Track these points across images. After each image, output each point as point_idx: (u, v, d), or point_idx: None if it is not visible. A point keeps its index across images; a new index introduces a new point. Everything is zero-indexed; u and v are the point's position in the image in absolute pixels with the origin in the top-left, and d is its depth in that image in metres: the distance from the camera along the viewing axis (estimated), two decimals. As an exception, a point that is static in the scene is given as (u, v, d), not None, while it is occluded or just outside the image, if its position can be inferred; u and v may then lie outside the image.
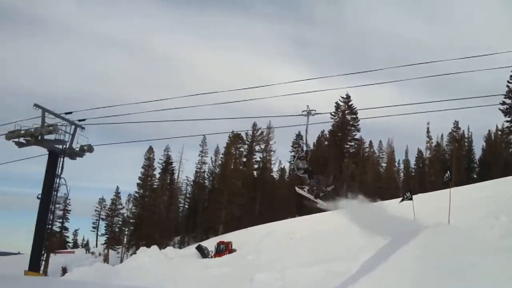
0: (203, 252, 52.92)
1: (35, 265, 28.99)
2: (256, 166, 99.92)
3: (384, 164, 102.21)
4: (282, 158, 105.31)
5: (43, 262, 29.84)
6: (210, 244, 55.72)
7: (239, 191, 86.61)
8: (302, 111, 19.81)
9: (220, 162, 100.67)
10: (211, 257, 50.92)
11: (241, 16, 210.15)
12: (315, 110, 19.68)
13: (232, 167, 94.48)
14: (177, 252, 58.78)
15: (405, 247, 13.14)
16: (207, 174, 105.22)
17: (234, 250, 51.35)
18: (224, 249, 52.10)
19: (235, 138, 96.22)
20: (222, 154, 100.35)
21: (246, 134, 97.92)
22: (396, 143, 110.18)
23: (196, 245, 58.98)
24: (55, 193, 29.40)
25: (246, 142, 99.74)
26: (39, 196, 28.59)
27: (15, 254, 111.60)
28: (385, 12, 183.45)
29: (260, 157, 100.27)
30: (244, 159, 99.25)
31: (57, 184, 29.09)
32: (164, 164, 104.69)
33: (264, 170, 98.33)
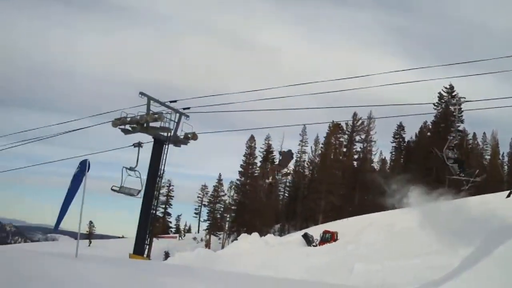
0: (308, 240, 52.81)
1: (140, 249, 29.75)
2: (356, 156, 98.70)
3: (488, 157, 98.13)
4: (383, 148, 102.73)
5: (147, 246, 30.58)
6: (312, 232, 55.43)
7: (338, 181, 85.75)
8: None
9: (320, 151, 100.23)
10: (316, 245, 50.71)
11: (339, 6, 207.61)
12: (464, 98, 18.84)
13: (332, 157, 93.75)
14: (277, 240, 58.97)
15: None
16: (307, 164, 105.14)
17: (337, 239, 50.97)
18: (329, 238, 51.74)
19: (335, 128, 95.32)
20: (322, 144, 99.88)
21: (346, 124, 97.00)
22: (501, 135, 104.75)
23: (302, 232, 58.78)
24: (159, 179, 30.07)
25: (346, 132, 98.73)
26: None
27: (119, 237, 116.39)
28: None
29: (360, 148, 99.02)
30: (344, 149, 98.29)
31: (161, 171, 29.71)
32: (265, 152, 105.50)
33: (364, 160, 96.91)
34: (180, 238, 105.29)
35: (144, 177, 28.93)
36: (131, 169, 27.10)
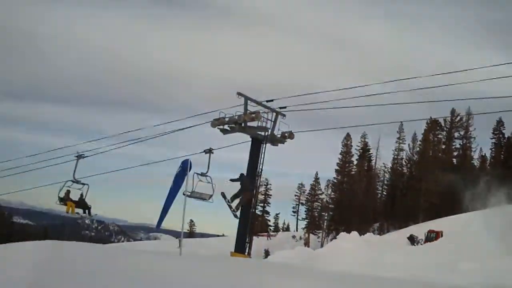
0: (413, 241, 52.02)
1: (241, 247, 30.04)
2: (455, 153, 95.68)
3: None
4: (483, 145, 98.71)
5: (247, 244, 30.84)
6: (414, 232, 54.44)
7: (438, 179, 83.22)
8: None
9: (418, 149, 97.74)
10: (420, 245, 49.84)
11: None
12: None
13: (431, 154, 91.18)
14: (377, 238, 58.18)
15: None
16: (405, 161, 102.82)
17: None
18: (433, 237, 50.61)
19: (433, 125, 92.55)
20: (420, 141, 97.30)
21: (445, 120, 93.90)
22: None
23: (403, 231, 58.07)
24: (258, 178, 30.26)
25: (445, 129, 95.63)
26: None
27: (220, 236, 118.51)
28: None
29: (459, 144, 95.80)
30: (443, 146, 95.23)
31: (259, 170, 29.90)
32: (361, 150, 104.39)
33: (464, 157, 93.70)
34: (269, 238, 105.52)
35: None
36: (202, 174, 27.50)
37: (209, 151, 27.55)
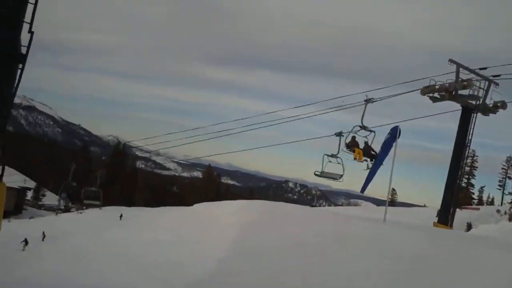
0: None
1: (444, 218, 29.50)
2: None
3: None
4: None
5: (450, 216, 30.14)
6: None
7: None
8: None
9: None
10: None
11: None
12: None
13: None
14: None
15: None
16: None
17: None
18: None
19: None
20: None
21: None
22: None
23: None
24: (466, 148, 29.26)
25: None
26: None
27: (421, 206, 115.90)
28: None
29: None
30: None
31: (468, 141, 28.89)
32: None
33: None
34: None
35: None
36: (332, 156, 27.07)
37: (339, 134, 27.24)
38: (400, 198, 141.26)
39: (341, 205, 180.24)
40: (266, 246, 9.97)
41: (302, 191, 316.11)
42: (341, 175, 28.17)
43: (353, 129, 25.28)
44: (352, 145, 25.37)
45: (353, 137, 25.29)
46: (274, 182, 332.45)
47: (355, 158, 26.27)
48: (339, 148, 27.72)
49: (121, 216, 48.57)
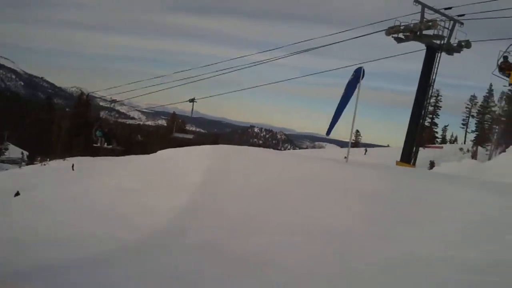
0: None
1: (406, 157, 30.05)
2: None
3: None
4: None
5: (413, 155, 30.64)
6: None
7: None
8: None
9: None
10: None
11: None
12: None
13: None
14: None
15: None
16: None
17: None
18: None
19: None
20: None
21: None
22: None
23: None
24: (430, 88, 29.55)
25: None
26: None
27: (385, 146, 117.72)
28: None
29: None
30: None
31: (432, 80, 29.15)
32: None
33: None
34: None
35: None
36: None
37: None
38: (365, 139, 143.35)
39: (306, 148, 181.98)
40: (231, 188, 9.92)
41: (267, 136, 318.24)
42: None
43: (508, 48, 22.40)
44: (506, 68, 22.76)
45: (505, 58, 23.06)
46: (239, 128, 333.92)
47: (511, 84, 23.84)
48: None
49: (72, 166, 48.44)
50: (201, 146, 15.54)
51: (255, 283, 6.59)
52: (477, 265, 6.23)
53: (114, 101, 37.30)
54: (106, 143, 33.20)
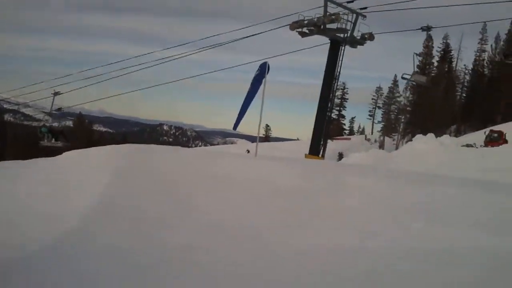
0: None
1: (315, 150, 30.54)
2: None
3: None
4: None
5: (322, 148, 31.17)
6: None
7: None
8: None
9: (500, 49, 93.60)
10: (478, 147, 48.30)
11: None
12: None
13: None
14: (453, 141, 57.03)
15: None
16: (486, 63, 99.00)
17: (506, 142, 47.89)
18: (497, 138, 49.13)
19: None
20: (503, 41, 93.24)
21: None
22: None
23: (480, 132, 56.62)
24: (335, 81, 30.12)
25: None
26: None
27: (295, 140, 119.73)
28: None
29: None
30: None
31: (337, 73, 29.71)
32: (442, 52, 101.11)
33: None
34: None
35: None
36: (420, 54, 27.93)
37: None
38: (275, 133, 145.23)
39: (217, 144, 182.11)
40: (137, 188, 9.65)
41: (177, 133, 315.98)
42: (426, 79, 28.22)
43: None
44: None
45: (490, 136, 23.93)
46: (148, 126, 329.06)
47: None
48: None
49: None
50: (106, 146, 15.09)
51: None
52: (387, 253, 6.31)
53: (17, 103, 36.14)
54: (54, 139, 32.04)
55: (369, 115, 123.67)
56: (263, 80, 14.20)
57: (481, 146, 48.31)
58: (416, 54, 26.61)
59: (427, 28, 28.25)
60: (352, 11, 28.75)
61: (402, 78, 29.72)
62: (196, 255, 6.93)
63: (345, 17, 28.56)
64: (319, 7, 28.33)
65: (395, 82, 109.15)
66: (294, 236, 7.53)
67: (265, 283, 5.81)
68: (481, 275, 5.36)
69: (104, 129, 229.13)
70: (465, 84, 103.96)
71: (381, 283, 5.46)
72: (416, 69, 26.87)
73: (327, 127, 31.67)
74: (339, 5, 28.57)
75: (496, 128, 57.44)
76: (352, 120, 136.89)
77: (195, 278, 6.18)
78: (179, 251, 7.20)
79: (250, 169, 11.30)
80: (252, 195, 9.39)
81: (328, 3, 28.27)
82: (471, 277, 5.31)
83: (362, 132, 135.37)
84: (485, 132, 52.79)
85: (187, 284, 6.02)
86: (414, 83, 27.67)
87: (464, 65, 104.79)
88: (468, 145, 49.30)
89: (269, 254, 6.84)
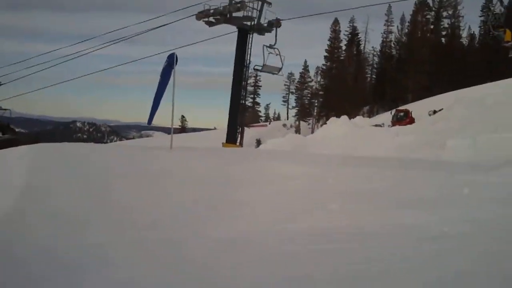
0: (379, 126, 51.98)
1: (232, 138, 30.74)
2: (444, 33, 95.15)
3: None
4: (472, 24, 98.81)
5: (239, 135, 31.43)
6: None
7: (427, 60, 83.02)
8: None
9: (406, 30, 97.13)
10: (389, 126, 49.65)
11: None
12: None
13: (419, 35, 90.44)
14: (366, 121, 58.55)
15: None
16: (393, 44, 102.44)
17: (413, 120, 49.56)
18: (403, 117, 50.71)
19: (422, 5, 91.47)
20: (408, 22, 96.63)
21: (433, 0, 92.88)
22: None
23: (391, 112, 58.43)
24: (246, 69, 30.35)
25: (433, 9, 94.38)
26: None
27: (212, 129, 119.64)
28: None
29: (448, 24, 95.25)
30: (431, 26, 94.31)
31: (247, 61, 29.94)
32: (350, 35, 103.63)
33: (452, 37, 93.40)
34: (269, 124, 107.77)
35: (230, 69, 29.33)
36: (270, 46, 27.70)
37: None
38: (191, 124, 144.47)
39: (133, 138, 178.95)
40: (53, 186, 9.45)
41: (91, 130, 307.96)
42: (280, 68, 27.94)
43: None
44: (499, 26, 22.68)
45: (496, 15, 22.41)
46: (61, 124, 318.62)
47: (508, 41, 23.31)
48: (276, 39, 26.97)
49: None
50: (18, 148, 14.64)
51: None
52: (308, 234, 6.48)
53: None
54: (1, 133, 30.76)
55: (283, 101, 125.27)
56: (172, 71, 14.16)
57: (388, 126, 49.60)
58: (267, 46, 27.31)
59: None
60: (257, -2, 29.01)
61: (254, 69, 30.26)
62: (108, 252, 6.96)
63: (251, 5, 28.79)
64: (225, -5, 28.43)
65: (305, 67, 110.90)
66: (215, 225, 7.64)
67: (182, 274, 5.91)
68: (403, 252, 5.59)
69: (17, 130, 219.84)
70: (374, 65, 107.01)
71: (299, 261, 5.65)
72: (265, 62, 27.69)
73: (242, 114, 31.93)
74: (244, -7, 28.73)
75: (403, 107, 59.36)
76: (267, 107, 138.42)
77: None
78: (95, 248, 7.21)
79: (167, 161, 11.33)
80: (166, 187, 9.43)
81: (234, -9, 28.41)
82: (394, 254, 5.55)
83: (278, 118, 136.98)
84: (391, 112, 54.41)
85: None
86: (267, 72, 28.25)
87: (372, 47, 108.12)
88: (376, 125, 50.65)
89: (185, 245, 6.93)
